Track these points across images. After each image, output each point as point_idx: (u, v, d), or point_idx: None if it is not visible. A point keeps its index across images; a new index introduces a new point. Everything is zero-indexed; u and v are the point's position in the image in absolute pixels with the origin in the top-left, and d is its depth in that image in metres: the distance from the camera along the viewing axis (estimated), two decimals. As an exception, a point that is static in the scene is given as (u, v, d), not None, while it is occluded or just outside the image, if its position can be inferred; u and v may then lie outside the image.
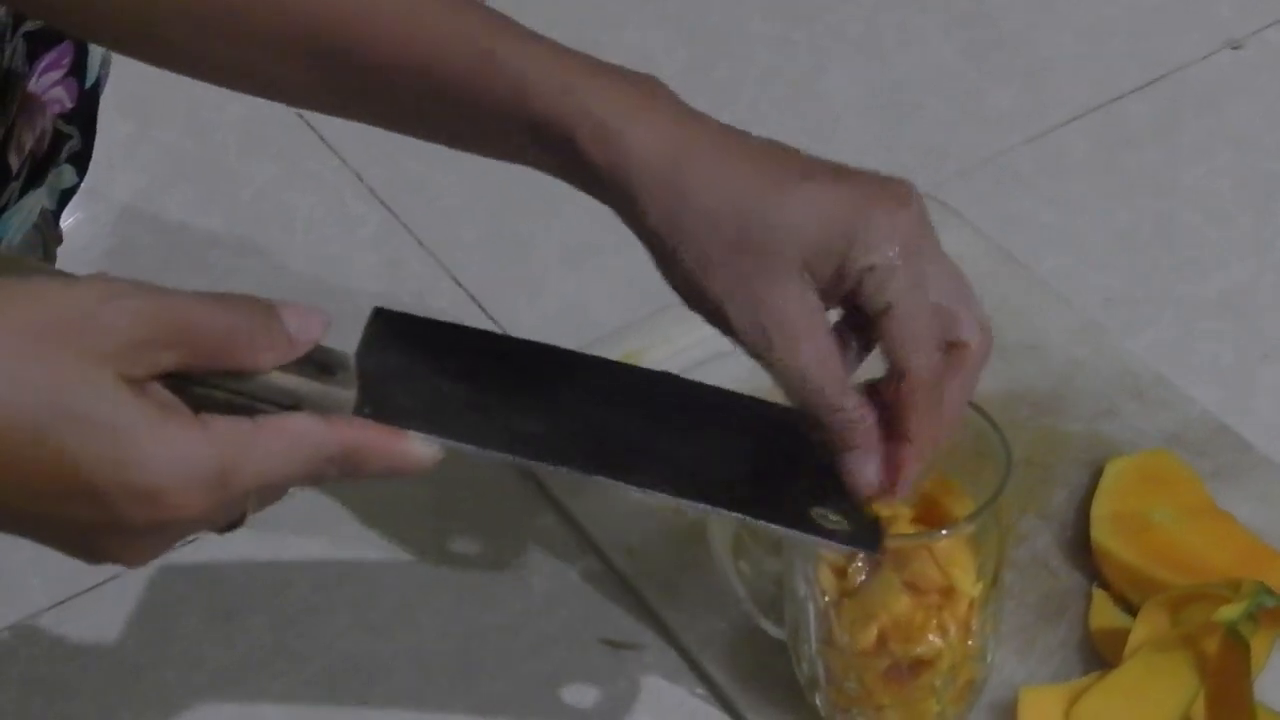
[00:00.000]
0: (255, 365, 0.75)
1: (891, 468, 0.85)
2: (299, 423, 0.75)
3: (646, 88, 0.87)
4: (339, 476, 0.76)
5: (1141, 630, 0.95)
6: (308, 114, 1.33)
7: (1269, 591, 0.93)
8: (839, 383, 0.84)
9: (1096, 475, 1.04)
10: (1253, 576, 0.94)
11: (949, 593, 0.90)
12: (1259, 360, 1.14)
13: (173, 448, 0.71)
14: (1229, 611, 0.92)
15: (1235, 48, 1.34)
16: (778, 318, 0.83)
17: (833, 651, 0.92)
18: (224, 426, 0.72)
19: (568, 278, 1.22)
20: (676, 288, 0.87)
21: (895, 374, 0.84)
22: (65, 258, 1.20)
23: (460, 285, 1.21)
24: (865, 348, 0.86)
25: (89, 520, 0.71)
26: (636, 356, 1.13)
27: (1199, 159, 1.26)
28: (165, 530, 0.73)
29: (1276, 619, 0.95)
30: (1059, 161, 1.27)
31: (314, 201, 1.26)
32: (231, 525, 0.76)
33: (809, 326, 0.83)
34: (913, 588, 0.90)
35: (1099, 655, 0.97)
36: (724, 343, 1.15)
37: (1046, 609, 1.00)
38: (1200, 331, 1.15)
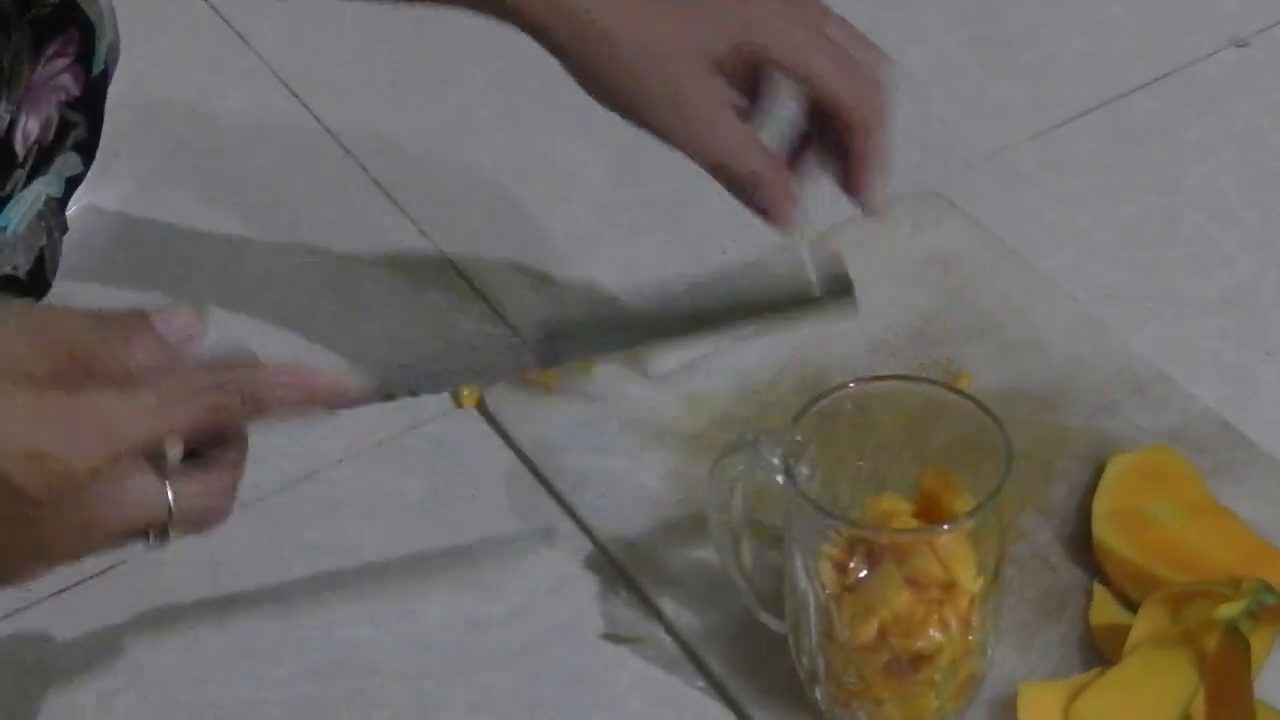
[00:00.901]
0: (125, 359, 0.78)
1: (867, 188, 0.96)
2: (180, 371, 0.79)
3: None
4: (242, 410, 0.79)
5: (1142, 627, 0.95)
6: (312, 104, 1.33)
7: (1269, 589, 0.93)
8: (747, 153, 0.94)
9: (1098, 471, 1.04)
10: (1253, 574, 0.94)
11: (949, 588, 0.90)
12: (1261, 357, 1.14)
13: (52, 411, 0.75)
14: (1229, 609, 0.92)
15: (1240, 46, 1.34)
16: (690, 106, 0.93)
17: (833, 645, 0.92)
18: (102, 386, 0.77)
19: (569, 269, 1.22)
20: (598, 98, 0.96)
21: (837, 123, 0.94)
22: (69, 246, 1.20)
23: (464, 277, 1.21)
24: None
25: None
26: (636, 352, 1.13)
27: (1203, 157, 1.26)
28: (69, 503, 0.75)
29: (1277, 617, 0.95)
30: (1063, 158, 1.27)
31: (317, 191, 1.26)
32: (158, 525, 0.78)
33: (716, 107, 0.93)
34: (913, 583, 0.90)
35: (1099, 652, 0.97)
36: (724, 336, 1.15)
37: (1047, 605, 1.00)
38: (1203, 328, 1.15)
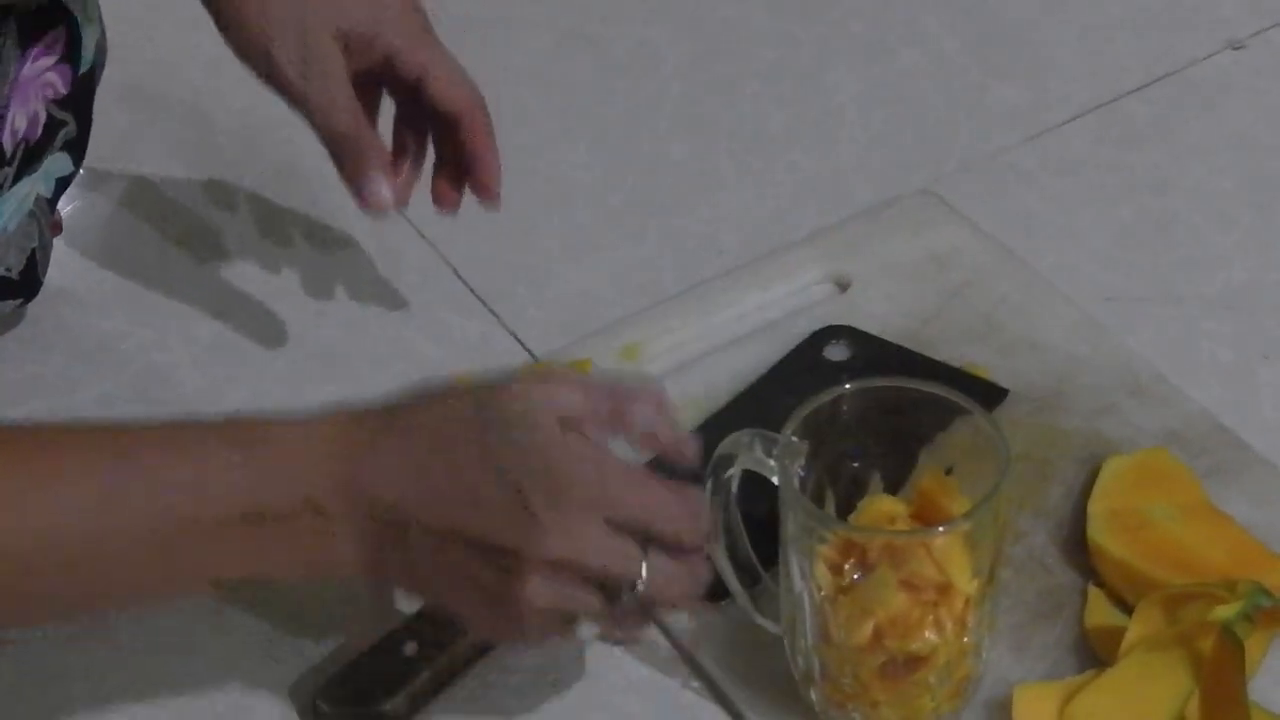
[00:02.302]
0: (630, 422, 0.90)
1: (483, 187, 1.10)
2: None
3: None
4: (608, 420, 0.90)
5: (1137, 629, 0.95)
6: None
7: (1264, 591, 0.93)
8: (357, 115, 1.07)
9: (1094, 473, 1.04)
10: (1249, 576, 0.94)
11: (945, 590, 0.90)
12: (1258, 359, 1.13)
13: (563, 437, 0.88)
14: (1224, 611, 0.92)
15: (1237, 48, 1.34)
16: (316, 65, 1.06)
17: (829, 647, 0.92)
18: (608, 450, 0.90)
19: (569, 269, 1.22)
20: (237, 51, 1.08)
21: (449, 119, 1.08)
22: (62, 246, 1.20)
23: (460, 277, 1.21)
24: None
25: (495, 503, 0.87)
26: (636, 349, 1.13)
27: (1200, 158, 1.26)
28: (558, 513, 0.86)
29: (1272, 619, 0.95)
30: (1060, 159, 1.27)
31: (313, 193, 1.26)
32: (627, 578, 0.89)
33: (338, 72, 1.06)
34: (909, 585, 0.90)
35: (1094, 653, 0.97)
36: (722, 336, 1.15)
37: (1042, 606, 1.00)
38: (1200, 330, 1.15)
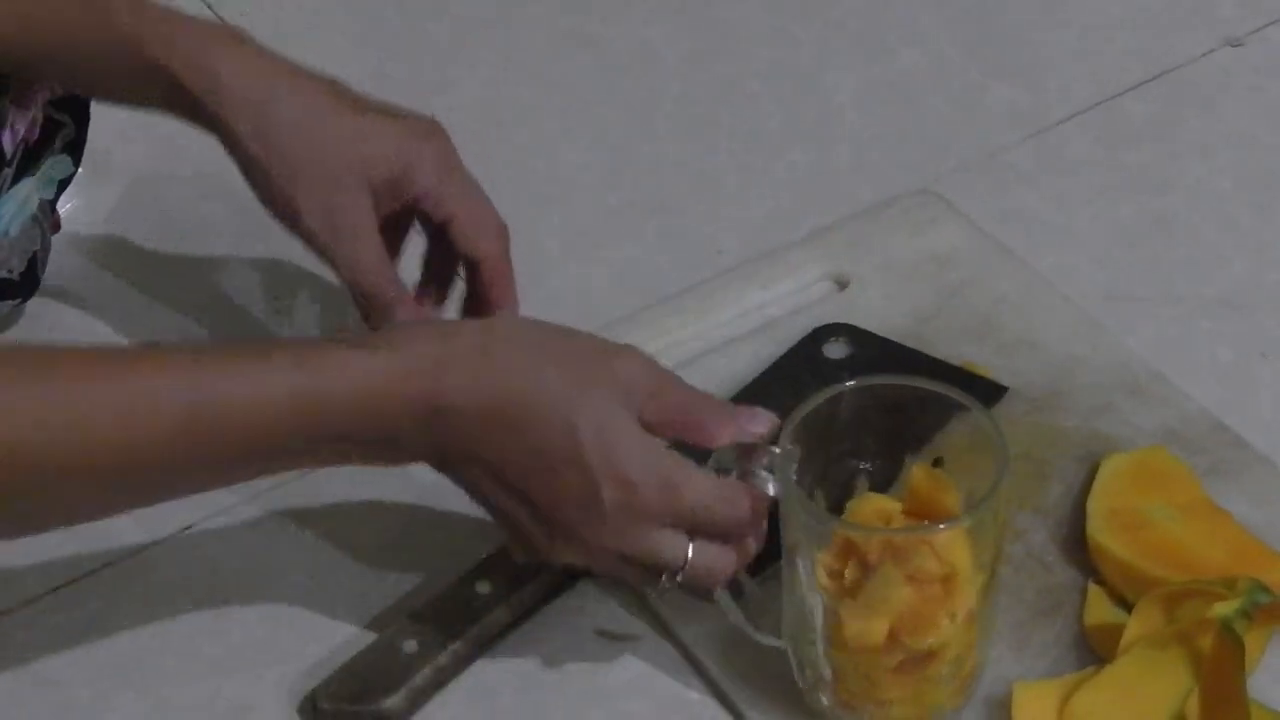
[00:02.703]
0: (711, 439, 0.93)
1: None
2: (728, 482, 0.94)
3: (235, 32, 1.07)
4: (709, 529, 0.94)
5: (1136, 626, 0.95)
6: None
7: (1263, 589, 0.93)
8: (383, 273, 1.06)
9: (1093, 471, 1.04)
10: (1248, 573, 0.94)
11: (949, 581, 0.90)
12: (1257, 358, 1.14)
13: (645, 447, 0.92)
14: (1224, 608, 0.92)
15: (1235, 46, 1.34)
16: (343, 219, 1.04)
17: (841, 651, 0.92)
18: (678, 456, 0.93)
19: (568, 268, 1.22)
20: (261, 198, 1.06)
21: (472, 263, 1.08)
22: (62, 244, 1.20)
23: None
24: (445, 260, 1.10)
25: (571, 488, 0.91)
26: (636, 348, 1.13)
27: (1199, 157, 1.26)
28: (624, 517, 0.92)
29: (1271, 616, 0.95)
30: (1059, 158, 1.27)
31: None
32: (671, 570, 0.93)
33: (366, 227, 1.05)
34: (914, 581, 0.90)
35: (1094, 651, 0.97)
36: (721, 335, 1.15)
37: (1042, 604, 1.00)
38: (1198, 329, 1.15)
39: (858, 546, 0.90)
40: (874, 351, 1.12)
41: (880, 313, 1.15)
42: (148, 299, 1.20)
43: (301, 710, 0.98)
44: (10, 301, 1.15)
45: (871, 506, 0.93)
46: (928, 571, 0.90)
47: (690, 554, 0.93)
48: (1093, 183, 1.25)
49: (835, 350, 1.12)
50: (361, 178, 1.05)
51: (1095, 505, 1.02)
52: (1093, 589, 1.00)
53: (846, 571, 0.91)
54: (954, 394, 0.93)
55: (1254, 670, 0.95)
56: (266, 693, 1.00)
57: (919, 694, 0.93)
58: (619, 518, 0.92)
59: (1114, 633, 0.95)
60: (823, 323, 1.14)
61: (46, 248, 1.17)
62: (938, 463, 0.94)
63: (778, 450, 0.92)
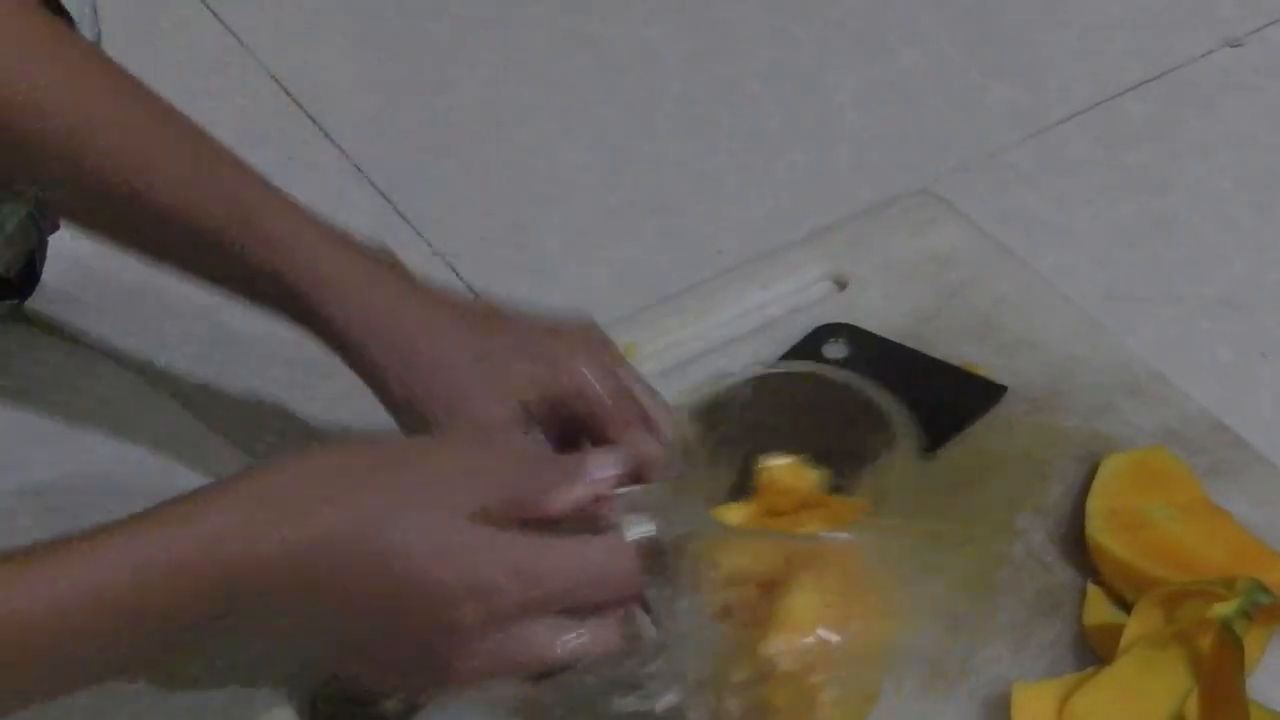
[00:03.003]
0: (551, 511, 0.84)
1: None
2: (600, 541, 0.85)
3: (384, 261, 0.98)
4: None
5: (1136, 626, 0.95)
6: (307, 104, 1.33)
7: (1263, 589, 0.93)
8: (555, 472, 0.88)
9: (1093, 471, 1.04)
10: (1247, 574, 0.94)
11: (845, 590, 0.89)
12: (1257, 358, 1.14)
13: (488, 544, 0.82)
14: (1223, 608, 0.92)
15: (1235, 46, 1.34)
16: (486, 428, 0.92)
17: (740, 671, 0.90)
18: (528, 538, 0.83)
19: (568, 269, 1.22)
20: (401, 423, 0.95)
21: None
22: (61, 245, 1.20)
23: (458, 276, 1.21)
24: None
25: (421, 621, 0.81)
26: (633, 349, 1.13)
27: (1198, 157, 1.26)
28: (491, 627, 0.81)
29: (1270, 616, 0.95)
30: (1059, 158, 1.27)
31: (312, 192, 1.25)
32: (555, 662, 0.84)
33: (520, 437, 0.92)
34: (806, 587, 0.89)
35: (1093, 651, 0.97)
36: (721, 335, 1.15)
37: (1041, 605, 1.00)
38: (1198, 329, 1.15)
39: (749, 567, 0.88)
40: (874, 352, 1.12)
41: (880, 313, 1.15)
42: (147, 301, 1.20)
43: (301, 712, 0.98)
44: (8, 301, 1.15)
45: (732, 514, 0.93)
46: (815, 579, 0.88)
47: (574, 638, 0.84)
48: (1093, 183, 1.26)
49: (835, 350, 1.12)
50: (516, 414, 0.94)
51: (1095, 505, 1.02)
52: (1092, 589, 1.00)
53: (736, 592, 0.89)
54: (848, 375, 0.91)
55: (1253, 670, 0.95)
56: (266, 694, 0.99)
57: (811, 704, 0.90)
58: (485, 630, 0.82)
59: (1113, 633, 0.95)
60: (822, 323, 1.14)
61: (44, 246, 1.17)
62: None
63: (638, 489, 0.87)
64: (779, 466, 0.92)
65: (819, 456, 0.96)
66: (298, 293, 0.96)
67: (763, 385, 0.93)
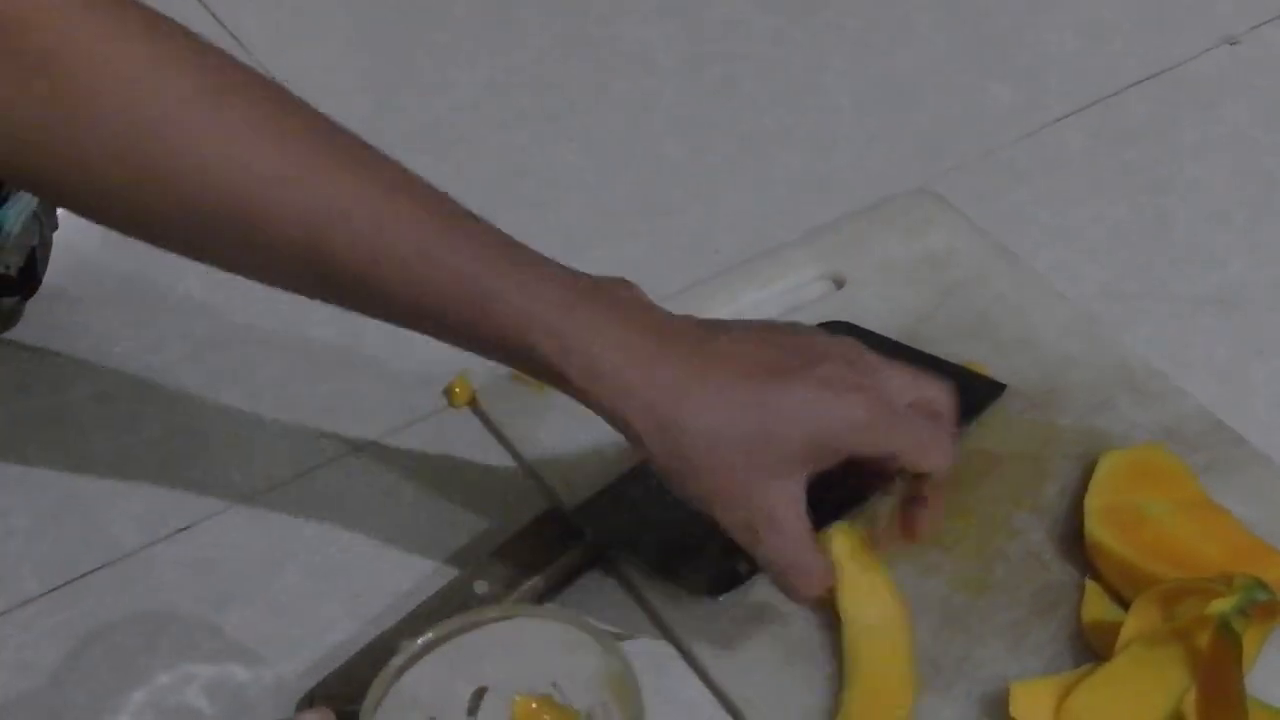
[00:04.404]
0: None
1: (907, 530, 0.98)
2: None
3: (630, 318, 0.94)
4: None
5: (1134, 624, 0.95)
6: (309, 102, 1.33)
7: (1261, 586, 0.93)
8: (811, 557, 0.93)
9: (1090, 469, 1.04)
10: (1245, 571, 0.94)
11: None
12: (1253, 355, 1.14)
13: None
14: (1221, 606, 0.92)
15: (1232, 44, 1.34)
16: (764, 516, 0.91)
17: None
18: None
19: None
20: (669, 485, 0.93)
21: (910, 476, 0.96)
22: (61, 244, 1.20)
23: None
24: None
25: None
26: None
27: (1196, 155, 1.26)
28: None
29: (1268, 613, 0.95)
30: (1056, 157, 1.27)
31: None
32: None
33: (793, 518, 0.92)
34: None
35: (1091, 649, 0.97)
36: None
37: (1039, 602, 1.00)
38: (1195, 326, 1.15)
39: None
40: (873, 349, 1.12)
41: (877, 312, 1.15)
42: (146, 300, 1.20)
43: (301, 709, 0.98)
44: (10, 300, 1.15)
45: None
46: None
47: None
48: (1090, 181, 1.26)
49: None
50: (785, 477, 0.91)
51: (1093, 503, 1.02)
52: (1090, 586, 1.00)
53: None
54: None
55: (1251, 667, 0.95)
56: (265, 693, 1.00)
57: None
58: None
59: (1112, 630, 0.95)
60: (820, 321, 1.14)
61: (46, 245, 1.17)
62: None
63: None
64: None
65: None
66: (548, 369, 0.92)
67: None
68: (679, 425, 0.90)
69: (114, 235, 1.24)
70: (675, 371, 0.91)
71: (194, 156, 0.88)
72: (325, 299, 0.93)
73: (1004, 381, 1.10)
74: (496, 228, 0.94)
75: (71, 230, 1.22)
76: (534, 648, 0.89)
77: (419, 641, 0.89)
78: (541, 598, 1.01)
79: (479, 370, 1.07)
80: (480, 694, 0.90)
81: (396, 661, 0.88)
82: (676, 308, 1.16)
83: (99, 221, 0.92)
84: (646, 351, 0.92)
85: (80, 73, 0.86)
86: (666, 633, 1.01)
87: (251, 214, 0.89)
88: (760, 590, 0.98)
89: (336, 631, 1.02)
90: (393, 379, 1.14)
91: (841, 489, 0.96)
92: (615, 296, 0.95)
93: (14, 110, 0.86)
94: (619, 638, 0.99)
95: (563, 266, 0.94)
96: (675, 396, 0.90)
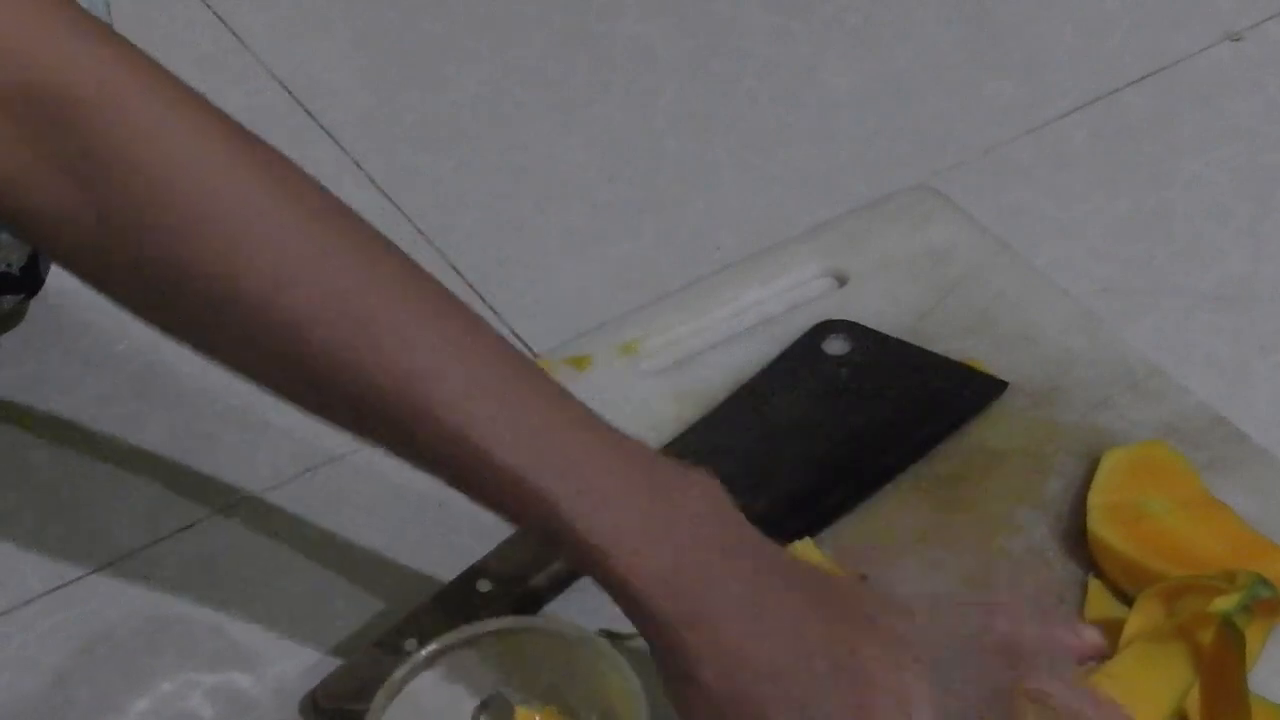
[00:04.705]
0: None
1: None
2: None
3: (679, 508, 0.86)
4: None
5: (1137, 621, 0.95)
6: (308, 102, 1.33)
7: (1264, 583, 0.93)
8: None
9: (1092, 466, 1.04)
10: (1248, 568, 0.94)
11: None
12: (1255, 352, 1.14)
13: None
14: (1224, 603, 0.92)
15: (1234, 40, 1.34)
16: None
17: None
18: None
19: (567, 266, 1.22)
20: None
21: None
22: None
23: (459, 273, 1.21)
24: None
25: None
26: (634, 345, 1.13)
27: (1197, 151, 1.26)
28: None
29: (1271, 610, 0.95)
30: (1057, 153, 1.27)
31: (312, 190, 1.26)
32: None
33: None
34: None
35: (1094, 646, 0.98)
36: (720, 332, 1.15)
37: (1042, 600, 1.00)
38: (1197, 323, 1.15)
39: None
40: (873, 348, 1.12)
41: (879, 308, 1.15)
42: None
43: (301, 710, 0.98)
44: (13, 298, 1.15)
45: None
46: None
47: None
48: (1091, 177, 1.25)
49: (835, 346, 1.12)
50: None
51: (1095, 500, 1.02)
52: (1093, 584, 1.00)
53: None
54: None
55: (1255, 664, 0.95)
56: (266, 692, 1.00)
57: None
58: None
59: (1114, 627, 0.95)
60: (822, 319, 1.14)
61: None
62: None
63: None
64: None
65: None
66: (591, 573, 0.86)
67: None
68: (749, 664, 0.83)
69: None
70: (726, 591, 0.85)
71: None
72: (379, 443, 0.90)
73: (1005, 378, 1.10)
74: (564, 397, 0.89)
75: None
76: (536, 658, 0.89)
77: (423, 653, 0.89)
78: (542, 597, 1.01)
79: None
80: (484, 705, 0.90)
81: (400, 673, 0.88)
82: (678, 305, 1.17)
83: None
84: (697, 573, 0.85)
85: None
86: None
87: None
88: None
89: (339, 632, 1.02)
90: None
91: (818, 504, 0.95)
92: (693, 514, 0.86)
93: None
94: (620, 637, 1.00)
95: (640, 452, 0.87)
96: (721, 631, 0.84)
